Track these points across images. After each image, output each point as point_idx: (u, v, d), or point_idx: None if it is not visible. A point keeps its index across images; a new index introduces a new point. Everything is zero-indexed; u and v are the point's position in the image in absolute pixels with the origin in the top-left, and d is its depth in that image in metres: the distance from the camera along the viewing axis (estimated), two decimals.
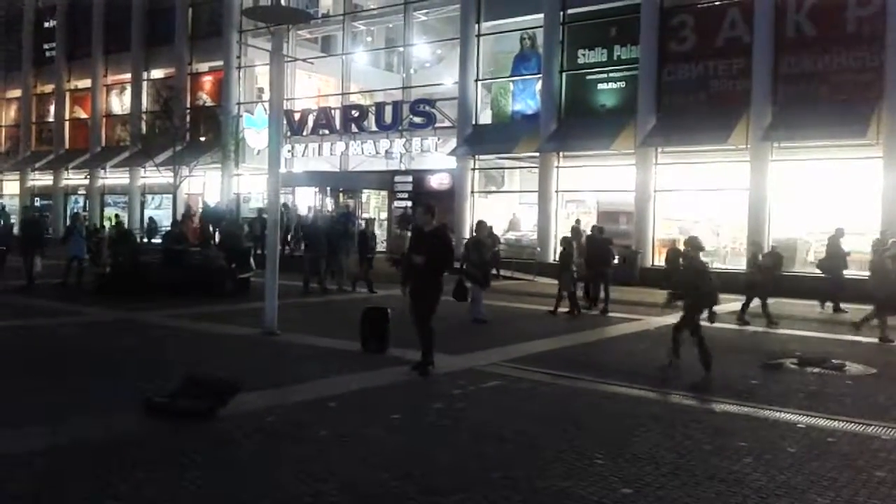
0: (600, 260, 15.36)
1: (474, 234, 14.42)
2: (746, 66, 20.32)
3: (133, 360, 9.49)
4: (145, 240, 27.76)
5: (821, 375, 9.29)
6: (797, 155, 19.89)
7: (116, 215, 30.97)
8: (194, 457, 5.66)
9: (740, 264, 20.55)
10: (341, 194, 29.47)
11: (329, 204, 29.67)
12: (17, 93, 39.89)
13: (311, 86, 31.99)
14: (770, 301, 17.57)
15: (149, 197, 34.48)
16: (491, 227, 20.16)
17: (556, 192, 23.67)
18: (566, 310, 14.62)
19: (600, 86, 23.21)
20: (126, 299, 15.13)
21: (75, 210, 33.82)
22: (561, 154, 23.60)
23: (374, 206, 30.80)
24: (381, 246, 23.99)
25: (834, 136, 18.77)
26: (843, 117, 18.42)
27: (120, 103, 36.08)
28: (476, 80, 25.59)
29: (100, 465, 5.41)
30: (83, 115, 37.22)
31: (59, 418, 6.55)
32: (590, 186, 23.71)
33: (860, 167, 19.13)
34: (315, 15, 29.74)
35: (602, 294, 15.38)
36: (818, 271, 17.26)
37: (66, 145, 37.49)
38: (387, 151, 27.20)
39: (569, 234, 16.44)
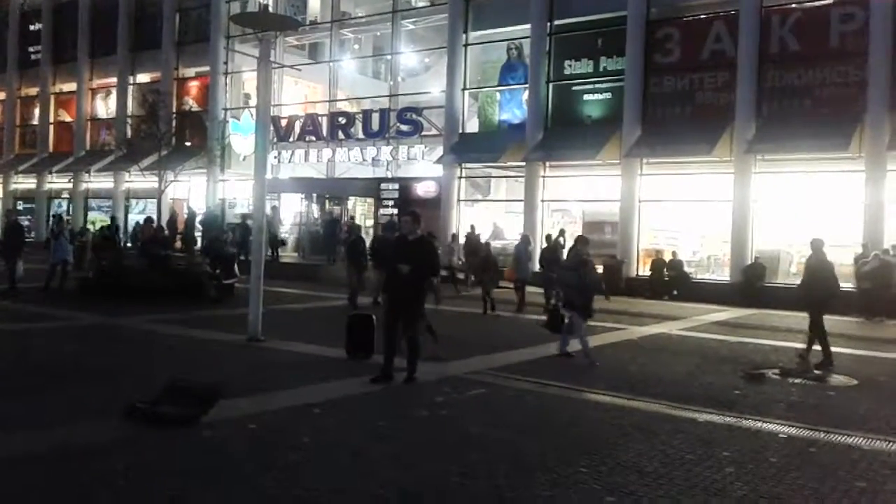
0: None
1: (577, 249, 11.30)
2: (731, 79, 20.52)
3: (115, 366, 9.43)
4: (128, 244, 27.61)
5: (803, 386, 9.37)
6: (780, 167, 20.08)
7: (113, 218, 30.79)
8: (176, 464, 5.63)
9: (724, 275, 20.78)
10: (327, 201, 29.44)
11: (316, 210, 29.65)
12: (0, 95, 39.61)
13: (298, 92, 31.98)
14: (752, 312, 17.75)
15: (133, 201, 34.28)
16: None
17: (542, 201, 23.76)
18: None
19: (586, 96, 23.36)
20: (109, 304, 15.03)
21: (58, 214, 33.57)
22: (547, 164, 23.69)
23: (360, 214, 30.77)
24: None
25: (817, 149, 18.97)
26: (825, 131, 18.63)
27: (105, 107, 35.91)
28: (463, 89, 25.67)
29: (80, 473, 5.37)
30: (68, 119, 37.01)
31: (38, 425, 6.49)
32: (575, 196, 23.84)
33: (843, 180, 19.34)
34: (303, 22, 29.75)
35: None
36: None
37: (51, 148, 37.27)
38: (373, 159, 27.21)
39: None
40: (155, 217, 25.29)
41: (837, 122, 18.77)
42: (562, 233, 21.63)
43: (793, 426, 7.29)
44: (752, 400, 8.51)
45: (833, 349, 12.55)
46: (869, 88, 18.74)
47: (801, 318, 16.49)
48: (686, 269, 20.95)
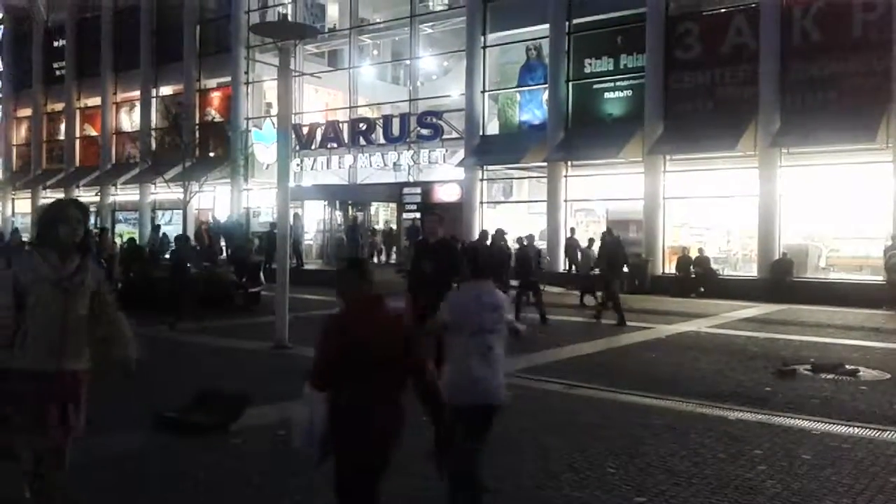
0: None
1: None
2: (753, 72, 20.30)
3: (143, 375, 9.48)
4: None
5: (835, 381, 9.23)
6: (806, 160, 19.83)
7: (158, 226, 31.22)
8: (206, 471, 5.67)
9: (751, 271, 20.57)
10: (350, 207, 29.57)
11: (339, 217, 29.79)
12: (27, 112, 40.27)
13: (319, 100, 32.16)
14: (781, 307, 17.54)
15: (159, 213, 34.66)
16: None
17: (565, 201, 23.67)
18: None
19: (607, 95, 23.24)
20: (137, 315, 15.16)
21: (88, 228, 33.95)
22: (569, 163, 23.61)
23: (383, 219, 30.89)
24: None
25: (843, 140, 18.70)
26: (851, 122, 18.37)
27: (129, 120, 36.34)
28: (483, 92, 25.66)
29: (111, 481, 5.43)
30: (93, 133, 37.51)
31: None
32: (599, 195, 23.72)
33: (870, 171, 19.05)
34: (321, 30, 29.90)
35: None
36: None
37: (77, 163, 37.78)
38: (395, 164, 27.28)
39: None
40: (182, 228, 25.57)
41: (863, 112, 18.49)
42: (572, 231, 21.85)
43: (826, 422, 7.18)
44: (783, 396, 8.41)
45: (864, 343, 12.44)
46: (894, 78, 18.46)
47: (831, 313, 16.39)
48: (713, 265, 20.76)
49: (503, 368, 4.67)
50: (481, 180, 25.67)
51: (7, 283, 3.83)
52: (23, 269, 3.86)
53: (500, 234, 15.76)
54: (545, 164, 23.65)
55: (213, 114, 33.36)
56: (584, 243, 20.68)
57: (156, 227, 28.47)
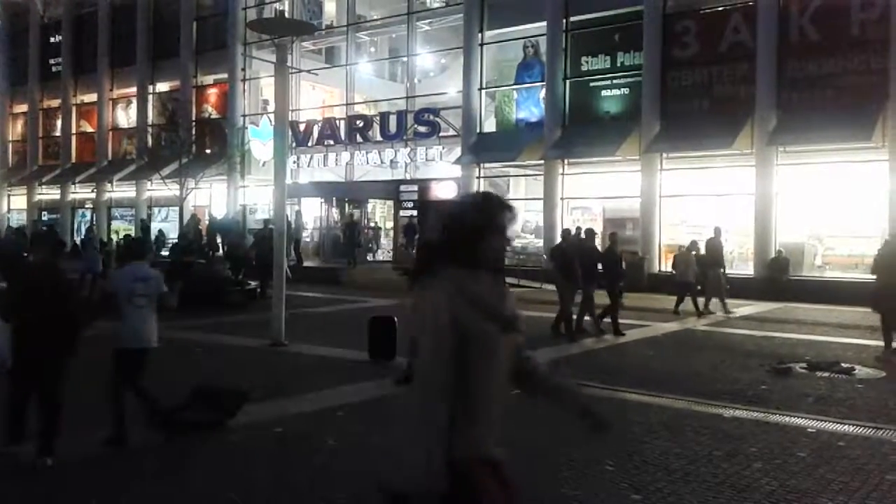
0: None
1: None
2: (750, 70, 20.32)
3: None
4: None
5: (830, 379, 9.25)
6: (803, 159, 19.86)
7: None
8: (203, 468, 5.67)
9: (747, 269, 20.59)
10: (347, 204, 29.56)
11: (336, 214, 29.76)
12: (23, 108, 40.15)
13: (316, 97, 32.12)
14: (777, 305, 17.57)
15: (155, 210, 34.61)
16: None
17: (562, 199, 23.67)
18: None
19: (604, 93, 23.24)
20: None
21: (89, 225, 33.99)
22: (566, 161, 23.60)
23: (379, 216, 30.88)
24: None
25: (839, 139, 18.73)
26: (848, 120, 18.39)
27: (126, 117, 36.26)
28: (480, 89, 25.64)
29: (107, 478, 5.42)
30: (90, 129, 37.41)
31: (65, 432, 6.55)
32: (595, 193, 23.71)
33: (866, 170, 19.09)
34: (319, 26, 29.87)
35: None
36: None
37: (73, 159, 37.69)
38: (392, 161, 27.25)
39: None
40: (178, 225, 25.54)
41: (860, 111, 18.51)
42: (578, 230, 21.74)
43: (821, 420, 7.21)
44: (779, 394, 8.43)
45: (859, 341, 12.48)
46: (891, 76, 18.46)
47: (827, 311, 16.43)
48: None
49: (153, 322, 6.70)
50: (478, 178, 25.64)
51: (439, 329, 2.47)
52: (458, 304, 2.49)
53: (590, 233, 14.15)
54: (542, 161, 23.65)
55: (210, 110, 33.30)
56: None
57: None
